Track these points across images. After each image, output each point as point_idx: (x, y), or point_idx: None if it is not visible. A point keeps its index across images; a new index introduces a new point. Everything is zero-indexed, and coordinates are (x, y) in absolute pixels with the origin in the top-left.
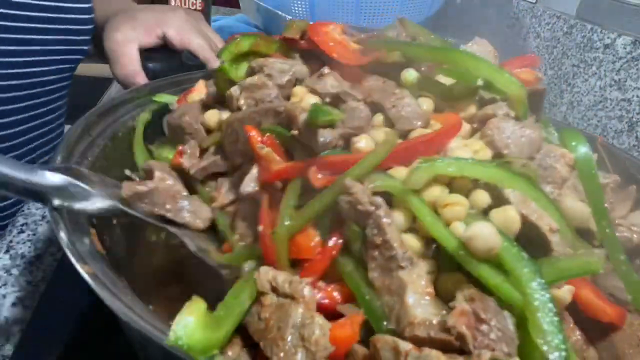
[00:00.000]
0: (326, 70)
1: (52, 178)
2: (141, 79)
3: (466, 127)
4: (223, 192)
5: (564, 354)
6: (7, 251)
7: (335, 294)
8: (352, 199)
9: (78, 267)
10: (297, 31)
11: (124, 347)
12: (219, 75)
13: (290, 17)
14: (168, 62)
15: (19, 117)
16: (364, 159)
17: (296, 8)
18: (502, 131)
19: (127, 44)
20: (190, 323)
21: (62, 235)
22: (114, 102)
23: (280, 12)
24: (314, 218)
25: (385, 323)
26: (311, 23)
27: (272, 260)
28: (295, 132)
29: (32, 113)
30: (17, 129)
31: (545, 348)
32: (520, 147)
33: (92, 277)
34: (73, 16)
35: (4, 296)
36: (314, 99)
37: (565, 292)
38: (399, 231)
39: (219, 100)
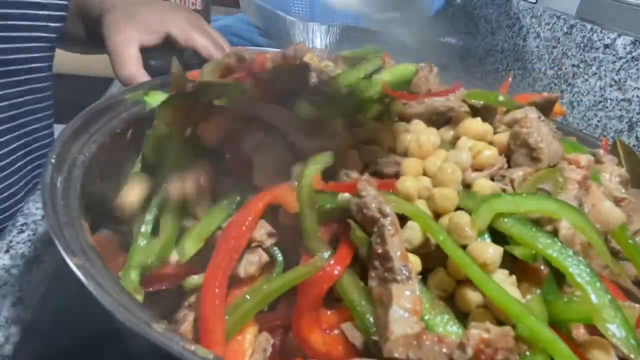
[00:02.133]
0: None
1: None
2: (144, 79)
3: (468, 142)
4: None
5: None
6: (7, 251)
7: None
8: (360, 202)
9: (67, 258)
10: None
11: (124, 347)
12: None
13: (290, 17)
14: (170, 60)
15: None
16: None
17: (296, 8)
18: (539, 129)
19: (129, 45)
20: None
21: (52, 224)
22: (113, 100)
23: (280, 12)
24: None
25: (373, 336)
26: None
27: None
28: None
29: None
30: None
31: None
32: (549, 150)
33: (80, 268)
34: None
35: (4, 296)
36: None
37: None
38: (403, 243)
39: None
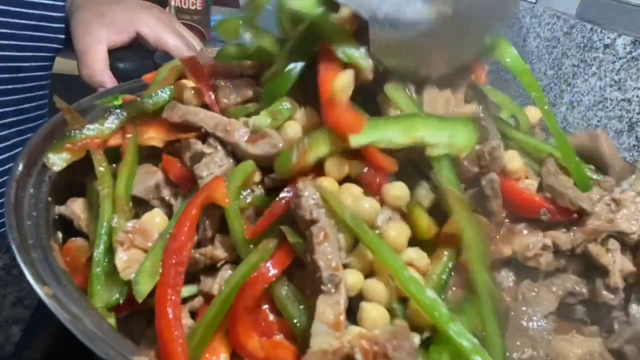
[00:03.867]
0: None
1: None
2: (108, 79)
3: None
4: None
5: None
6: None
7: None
8: (297, 202)
9: (37, 288)
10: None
11: None
12: None
13: None
14: (139, 62)
15: None
16: None
17: None
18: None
19: (96, 45)
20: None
21: (20, 254)
22: (79, 107)
23: None
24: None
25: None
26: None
27: None
28: None
29: (10, 109)
30: None
31: None
32: None
33: (51, 299)
34: (46, 1)
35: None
36: None
37: None
38: (336, 251)
39: None
